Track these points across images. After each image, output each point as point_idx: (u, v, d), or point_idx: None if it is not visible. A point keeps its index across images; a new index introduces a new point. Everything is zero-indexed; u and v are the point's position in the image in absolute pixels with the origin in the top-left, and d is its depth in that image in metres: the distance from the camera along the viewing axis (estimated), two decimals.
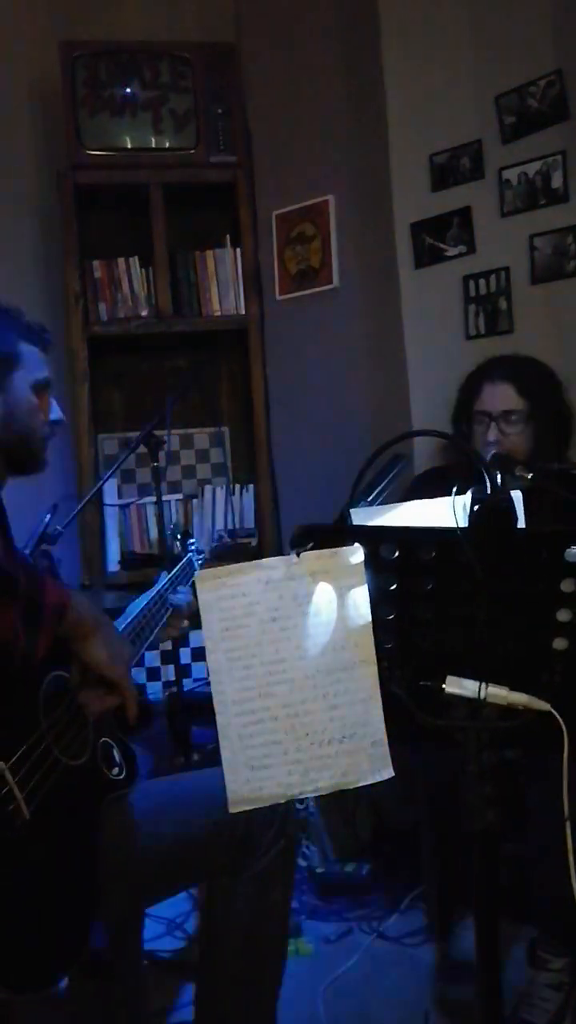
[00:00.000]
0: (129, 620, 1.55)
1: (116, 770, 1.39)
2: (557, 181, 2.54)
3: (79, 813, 1.30)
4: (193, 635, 3.05)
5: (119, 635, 1.38)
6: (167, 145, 2.92)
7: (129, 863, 1.39)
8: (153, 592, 1.66)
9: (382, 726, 1.00)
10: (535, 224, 2.60)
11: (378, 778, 0.99)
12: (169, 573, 1.75)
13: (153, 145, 2.92)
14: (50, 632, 1.21)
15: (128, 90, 2.89)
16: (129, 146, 2.91)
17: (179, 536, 1.93)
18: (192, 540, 1.93)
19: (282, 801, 0.98)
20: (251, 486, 3.10)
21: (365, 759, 0.99)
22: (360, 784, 0.98)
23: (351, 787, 0.99)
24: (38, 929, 1.18)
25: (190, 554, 1.88)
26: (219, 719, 0.99)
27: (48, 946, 1.19)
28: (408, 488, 2.25)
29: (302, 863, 2.46)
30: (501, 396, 2.06)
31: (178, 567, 1.79)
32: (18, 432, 1.47)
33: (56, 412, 1.54)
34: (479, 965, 1.10)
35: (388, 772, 1.00)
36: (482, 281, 2.72)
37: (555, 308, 2.60)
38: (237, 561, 1.04)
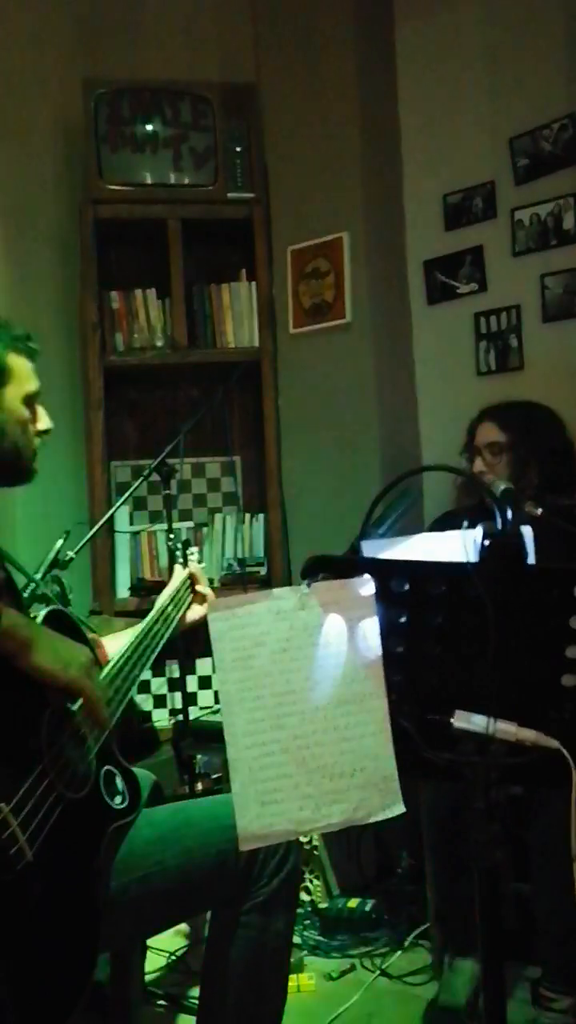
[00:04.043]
0: (132, 638, 1.56)
1: (119, 799, 1.37)
2: (569, 222, 2.58)
3: (82, 845, 1.28)
4: (200, 663, 3.05)
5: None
6: (186, 181, 2.97)
7: (131, 893, 1.38)
8: (154, 610, 1.68)
9: (393, 761, 0.99)
10: (546, 264, 2.63)
11: (389, 814, 0.98)
12: (171, 587, 1.77)
13: (172, 181, 2.97)
14: None
15: (149, 127, 2.95)
16: (149, 181, 2.97)
17: (179, 546, 1.97)
18: (192, 550, 1.96)
19: (293, 838, 0.97)
20: (261, 515, 3.12)
21: (376, 794, 0.98)
22: (372, 820, 0.97)
23: (362, 823, 0.98)
24: (43, 970, 1.16)
25: (191, 564, 1.90)
26: (229, 751, 0.98)
27: (54, 987, 1.16)
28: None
29: (305, 897, 2.44)
30: (486, 432, 2.32)
31: (179, 581, 1.81)
32: (10, 447, 1.48)
33: (46, 421, 1.54)
34: (485, 1004, 1.09)
35: (399, 808, 0.99)
36: (493, 318, 2.75)
37: (565, 346, 2.63)
38: (246, 590, 1.05)
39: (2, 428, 1.46)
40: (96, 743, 1.34)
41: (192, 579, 1.81)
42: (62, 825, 1.22)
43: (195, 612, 1.79)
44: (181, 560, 1.89)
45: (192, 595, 1.80)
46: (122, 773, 1.41)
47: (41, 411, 1.54)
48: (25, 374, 1.50)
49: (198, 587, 1.81)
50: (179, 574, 1.82)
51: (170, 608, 1.72)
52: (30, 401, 1.51)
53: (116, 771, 1.39)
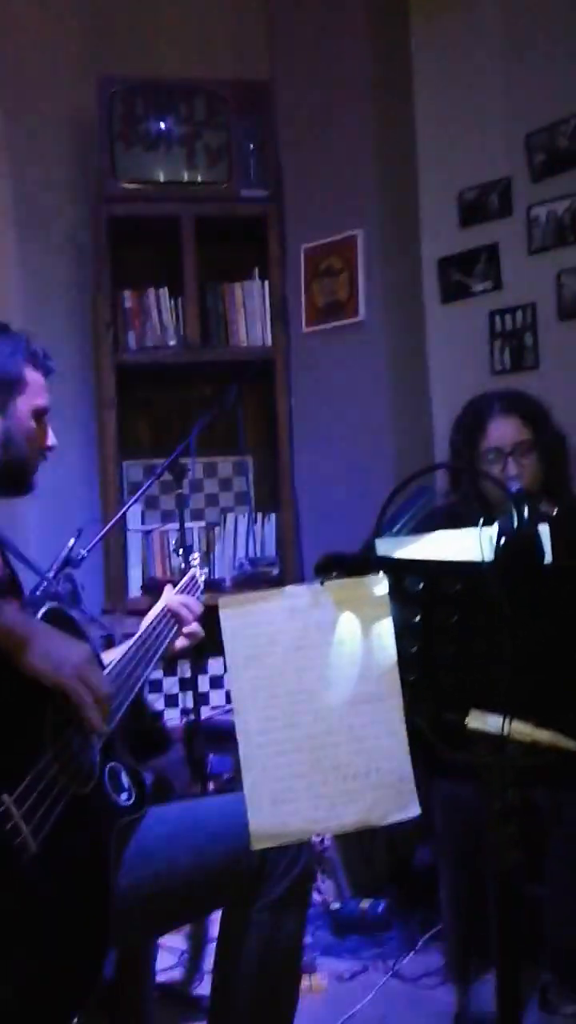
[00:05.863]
0: (135, 637, 1.56)
1: (125, 795, 1.36)
2: None
3: (88, 842, 1.27)
4: (212, 662, 3.05)
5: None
6: (199, 179, 2.97)
7: (142, 891, 1.37)
8: (158, 610, 1.67)
9: (408, 761, 0.98)
10: (562, 261, 2.61)
11: (405, 816, 0.97)
12: (174, 588, 1.76)
13: (186, 179, 2.97)
14: None
15: (163, 125, 2.95)
16: (162, 179, 2.96)
17: (180, 551, 1.97)
18: (194, 555, 1.96)
19: (306, 837, 0.96)
20: (273, 515, 3.11)
21: (391, 795, 0.97)
22: (387, 822, 0.96)
23: (377, 825, 0.97)
24: (50, 966, 1.15)
25: (192, 569, 1.90)
26: (242, 749, 0.98)
27: (61, 984, 1.16)
28: (415, 529, 2.22)
29: (317, 898, 2.43)
30: (511, 429, 2.02)
31: (183, 581, 1.80)
32: (14, 456, 1.51)
33: (52, 438, 1.58)
34: (500, 1011, 1.07)
35: (415, 810, 0.97)
36: (508, 317, 2.73)
37: None
38: (258, 590, 1.04)
39: (11, 435, 1.50)
40: (100, 739, 1.34)
41: (175, 616, 1.70)
42: (68, 819, 1.22)
43: (178, 642, 1.69)
44: (183, 564, 1.89)
45: (176, 628, 1.69)
46: (128, 770, 1.40)
47: (48, 429, 1.58)
48: (38, 388, 1.54)
49: (185, 629, 1.69)
50: (166, 596, 1.74)
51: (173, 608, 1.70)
52: (39, 415, 1.54)
53: (122, 767, 1.39)
